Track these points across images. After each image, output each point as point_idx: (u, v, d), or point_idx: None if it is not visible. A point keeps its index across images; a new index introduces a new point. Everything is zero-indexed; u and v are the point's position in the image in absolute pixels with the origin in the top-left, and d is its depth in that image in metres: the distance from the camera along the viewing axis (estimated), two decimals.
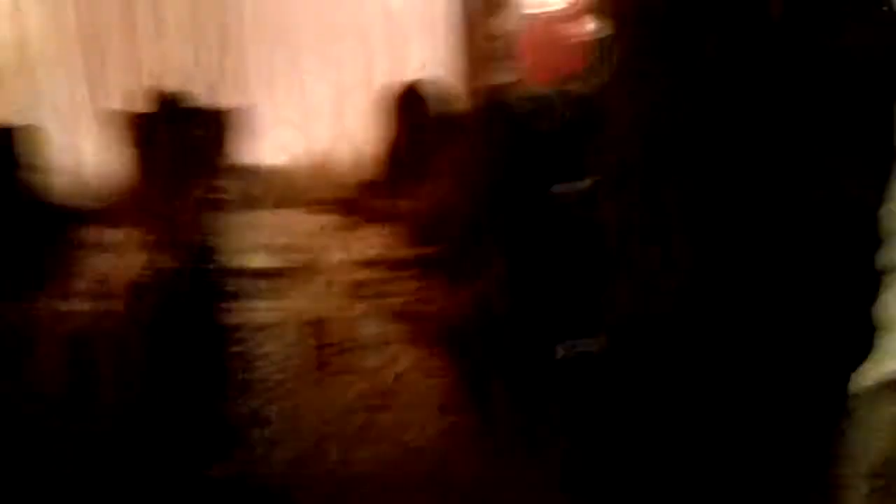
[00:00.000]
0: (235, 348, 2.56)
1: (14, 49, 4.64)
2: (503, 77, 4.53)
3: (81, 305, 3.11)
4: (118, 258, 3.47)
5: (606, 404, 2.46)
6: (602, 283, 2.65)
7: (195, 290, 2.75)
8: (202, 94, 4.67)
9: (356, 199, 3.76)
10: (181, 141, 4.20)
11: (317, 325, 2.58)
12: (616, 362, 2.52)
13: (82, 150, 4.84)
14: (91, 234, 3.73)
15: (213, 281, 2.89)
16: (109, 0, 4.62)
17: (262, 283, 3.18)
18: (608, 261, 2.64)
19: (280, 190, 4.74)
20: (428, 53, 4.76)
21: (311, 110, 4.95)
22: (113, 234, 3.75)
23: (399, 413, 2.31)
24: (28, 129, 3.70)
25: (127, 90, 4.67)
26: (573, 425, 2.45)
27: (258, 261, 3.35)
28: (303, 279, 3.17)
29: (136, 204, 4.34)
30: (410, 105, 3.62)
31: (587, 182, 2.62)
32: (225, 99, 4.80)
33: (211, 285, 2.85)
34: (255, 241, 3.62)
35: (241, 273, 3.25)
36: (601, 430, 2.43)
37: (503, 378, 2.48)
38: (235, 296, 3.00)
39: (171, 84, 4.66)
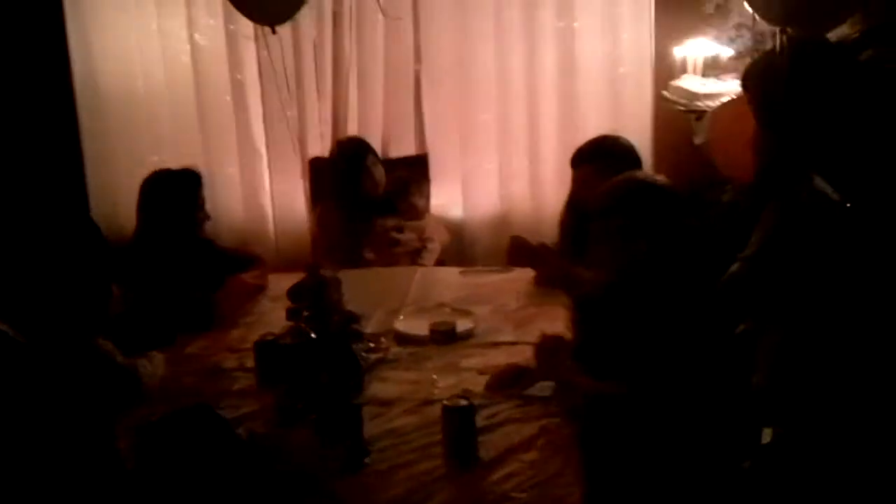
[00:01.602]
0: (365, 423, 2.27)
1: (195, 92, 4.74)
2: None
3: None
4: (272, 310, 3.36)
5: None
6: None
7: (332, 357, 2.50)
8: (383, 142, 4.66)
9: (529, 262, 3.46)
10: (358, 188, 4.19)
11: (454, 407, 2.20)
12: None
13: (263, 195, 4.90)
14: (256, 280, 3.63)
15: (354, 350, 2.65)
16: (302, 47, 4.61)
17: (408, 350, 2.89)
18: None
19: (451, 245, 4.59)
20: (616, 111, 4.56)
21: (491, 165, 4.75)
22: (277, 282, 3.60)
23: None
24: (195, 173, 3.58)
25: (309, 136, 4.68)
26: None
27: (409, 325, 3.06)
28: (451, 349, 2.81)
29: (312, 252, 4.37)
30: (596, 163, 3.28)
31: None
32: (405, 148, 4.76)
33: (351, 355, 2.60)
34: (414, 299, 3.43)
35: (392, 336, 3.01)
36: None
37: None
38: (376, 363, 2.77)
39: (354, 131, 4.63)
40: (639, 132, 4.42)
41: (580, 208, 3.31)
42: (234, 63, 4.71)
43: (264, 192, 4.90)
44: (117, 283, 2.88)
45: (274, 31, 2.76)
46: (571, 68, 4.60)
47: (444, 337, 2.71)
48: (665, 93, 4.35)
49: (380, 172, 4.30)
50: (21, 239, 2.79)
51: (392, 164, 4.55)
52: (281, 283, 3.54)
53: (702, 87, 4.11)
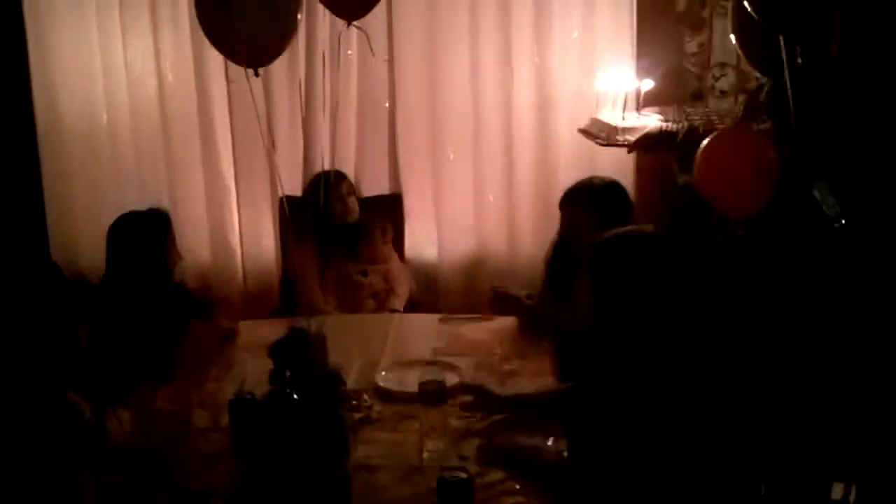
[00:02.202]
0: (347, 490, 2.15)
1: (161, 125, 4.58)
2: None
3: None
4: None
5: None
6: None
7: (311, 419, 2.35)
8: (356, 180, 4.55)
9: (509, 308, 3.44)
10: (332, 214, 4.09)
11: (452, 480, 2.13)
12: None
13: (231, 234, 4.71)
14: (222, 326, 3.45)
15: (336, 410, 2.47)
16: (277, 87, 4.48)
17: (392, 409, 2.75)
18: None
19: (426, 287, 4.52)
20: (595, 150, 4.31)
21: (466, 206, 4.60)
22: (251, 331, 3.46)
23: None
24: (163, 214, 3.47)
25: (280, 173, 4.44)
26: None
27: (391, 380, 2.94)
28: (432, 407, 2.56)
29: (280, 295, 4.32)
30: (584, 206, 3.26)
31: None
32: (379, 187, 4.67)
33: (338, 420, 2.42)
34: (393, 350, 3.27)
35: (373, 392, 2.87)
36: None
37: None
38: (359, 423, 2.63)
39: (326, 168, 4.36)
40: (620, 172, 4.28)
41: (567, 250, 3.33)
42: (202, 95, 4.55)
43: (232, 230, 4.72)
44: (85, 325, 2.75)
45: (257, 74, 2.61)
46: (549, 106, 4.48)
47: (435, 397, 2.54)
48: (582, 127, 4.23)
49: (353, 202, 4.26)
50: None
51: (366, 203, 4.44)
52: (252, 332, 3.44)
53: (621, 122, 3.96)
